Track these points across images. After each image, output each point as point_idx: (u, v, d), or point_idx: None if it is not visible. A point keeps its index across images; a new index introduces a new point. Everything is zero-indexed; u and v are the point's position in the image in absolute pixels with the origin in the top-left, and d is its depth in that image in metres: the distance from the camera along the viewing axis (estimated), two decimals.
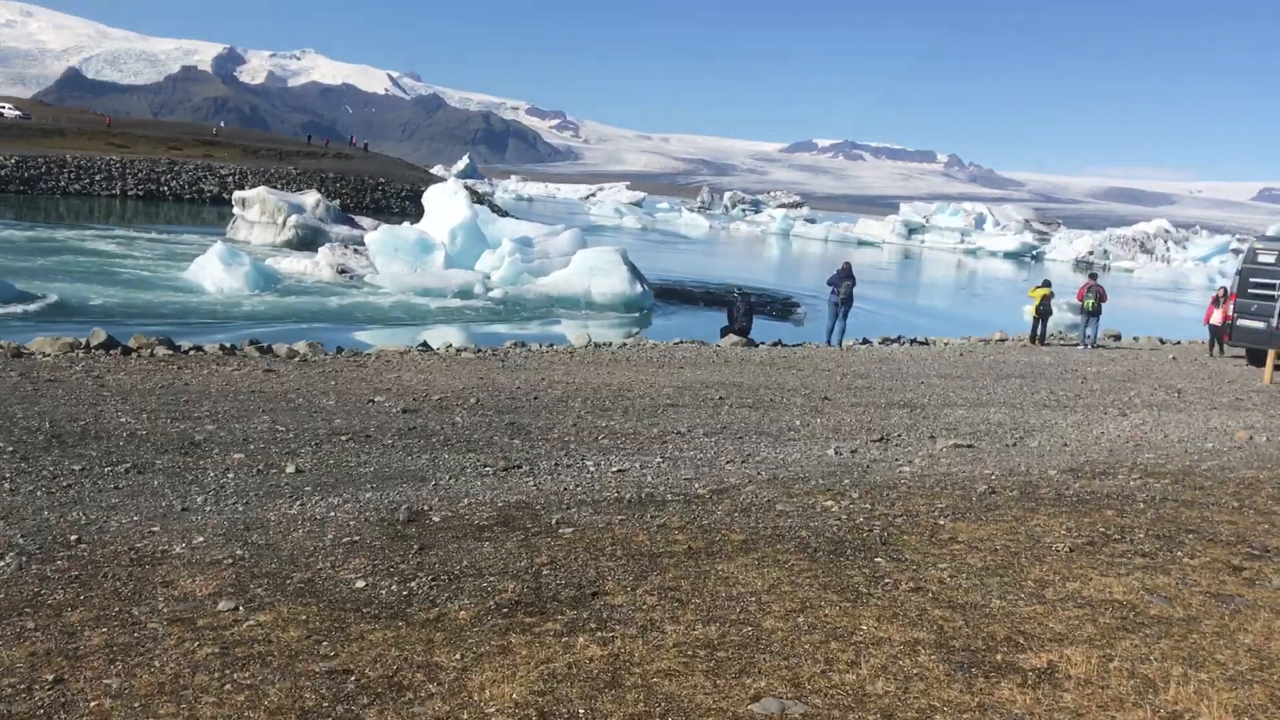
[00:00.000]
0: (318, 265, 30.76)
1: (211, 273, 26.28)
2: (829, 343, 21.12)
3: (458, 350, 15.66)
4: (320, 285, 28.54)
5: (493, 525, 6.19)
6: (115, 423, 8.89)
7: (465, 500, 6.96)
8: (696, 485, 7.79)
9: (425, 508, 6.68)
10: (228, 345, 14.22)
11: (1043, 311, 22.76)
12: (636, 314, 28.77)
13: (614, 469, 8.52)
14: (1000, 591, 5.34)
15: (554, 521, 6.35)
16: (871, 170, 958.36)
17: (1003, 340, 23.69)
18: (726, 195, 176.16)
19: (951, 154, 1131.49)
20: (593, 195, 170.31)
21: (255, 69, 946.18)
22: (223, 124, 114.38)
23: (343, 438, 8.99)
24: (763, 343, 20.15)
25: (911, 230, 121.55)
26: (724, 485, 7.80)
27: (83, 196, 61.24)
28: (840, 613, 4.86)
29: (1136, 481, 8.51)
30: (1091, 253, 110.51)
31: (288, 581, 4.97)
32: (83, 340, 13.08)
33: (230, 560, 5.30)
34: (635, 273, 30.05)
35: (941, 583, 5.38)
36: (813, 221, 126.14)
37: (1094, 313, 22.82)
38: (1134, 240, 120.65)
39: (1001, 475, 8.62)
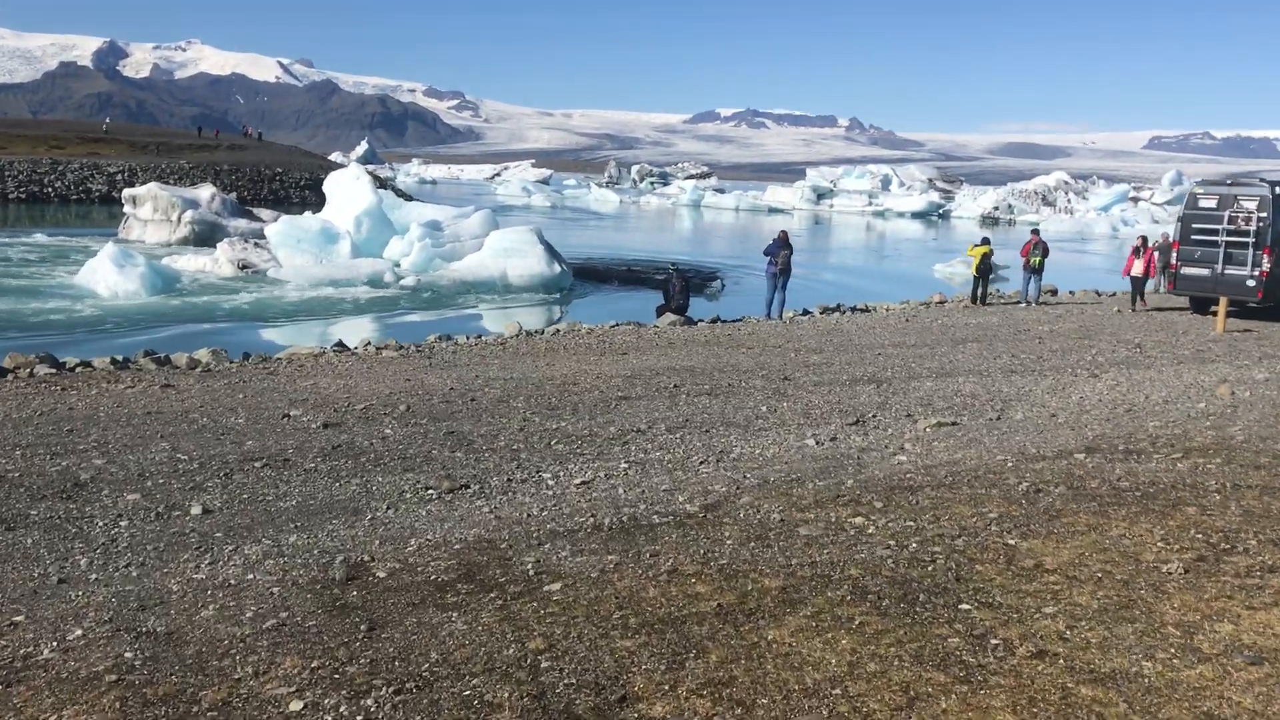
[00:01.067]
0: (217, 262, 28.92)
1: (104, 276, 24.33)
2: (769, 316, 20.23)
3: (378, 348, 14.31)
4: (222, 282, 26.75)
5: (456, 581, 5.00)
6: None
7: (413, 542, 5.78)
8: (680, 499, 6.72)
9: (365, 556, 5.49)
10: (119, 359, 12.66)
11: (983, 270, 22.15)
12: (557, 295, 27.60)
13: (576, 481, 7.42)
14: (1143, 647, 4.21)
15: (530, 570, 5.18)
16: (775, 138, 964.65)
17: (942, 303, 23.07)
18: (634, 169, 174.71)
19: (852, 118, 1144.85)
20: (498, 175, 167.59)
21: (139, 62, 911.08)
22: (109, 120, 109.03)
23: (257, 464, 7.71)
24: (701, 320, 19.16)
25: (820, 195, 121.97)
26: (713, 497, 6.74)
27: None
28: (961, 704, 3.69)
29: (1183, 464, 7.62)
30: (996, 208, 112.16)
31: (194, 710, 3.72)
32: None
33: (115, 672, 3.99)
34: (552, 252, 28.83)
35: (1063, 639, 4.25)
36: (722, 191, 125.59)
37: (1038, 270, 22.30)
38: (1036, 194, 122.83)
39: (1018, 462, 7.72)
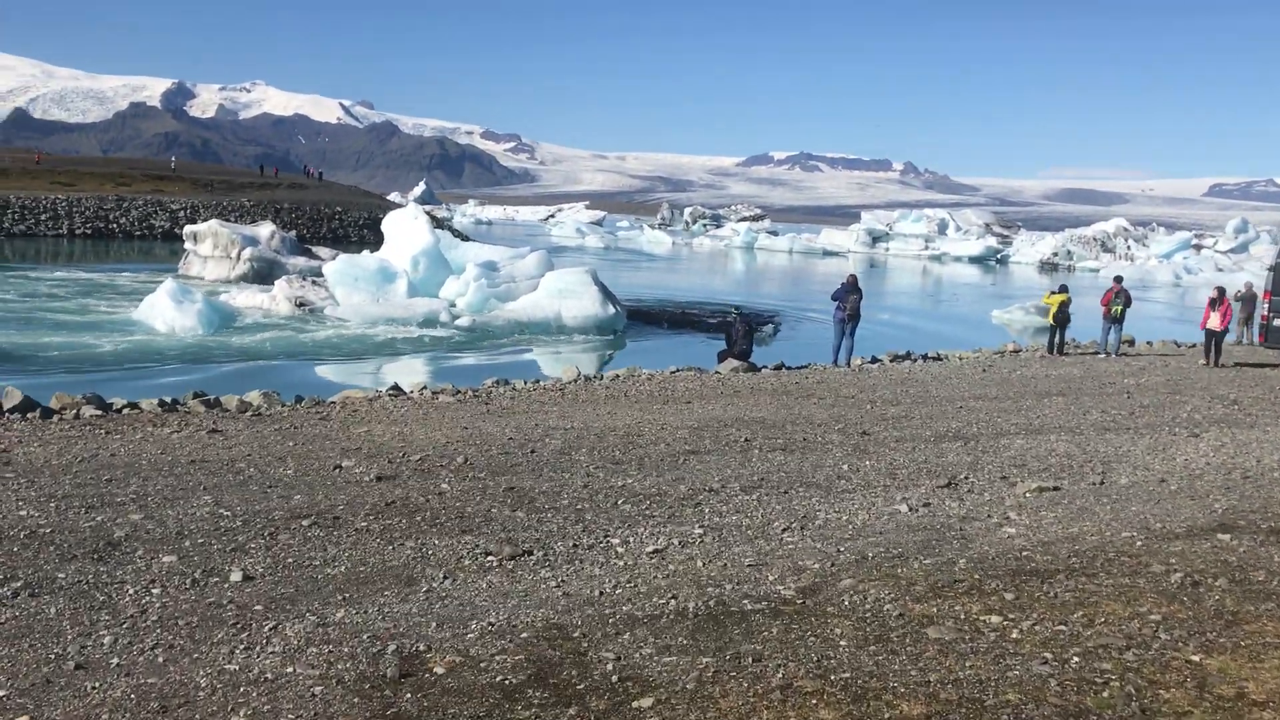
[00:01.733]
0: (275, 299, 28.83)
1: (162, 312, 24.29)
2: (836, 363, 19.44)
3: (434, 393, 13.77)
4: (278, 320, 26.62)
5: (526, 685, 4.32)
6: (12, 517, 6.98)
7: (474, 625, 5.12)
8: (770, 577, 6.01)
9: (421, 645, 4.83)
10: (168, 400, 12.23)
11: (1060, 319, 21.18)
12: (611, 336, 27.08)
13: (649, 549, 6.74)
14: None
15: (613, 672, 4.47)
16: (828, 181, 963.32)
17: (1017, 352, 22.13)
18: (687, 211, 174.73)
19: (907, 162, 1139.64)
20: (552, 216, 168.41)
21: (205, 103, 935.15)
22: (175, 159, 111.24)
23: (304, 522, 7.13)
24: (765, 366, 18.43)
25: (875, 238, 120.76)
26: (808, 577, 6.00)
27: (28, 238, 58.54)
28: None
29: None
30: (1055, 254, 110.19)
31: None
32: None
33: None
34: (606, 293, 28.37)
35: None
36: (775, 234, 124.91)
37: (1119, 319, 21.30)
38: (1095, 240, 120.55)
39: (1148, 541, 6.91)
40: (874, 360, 19.94)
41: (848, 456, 10.25)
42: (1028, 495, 8.67)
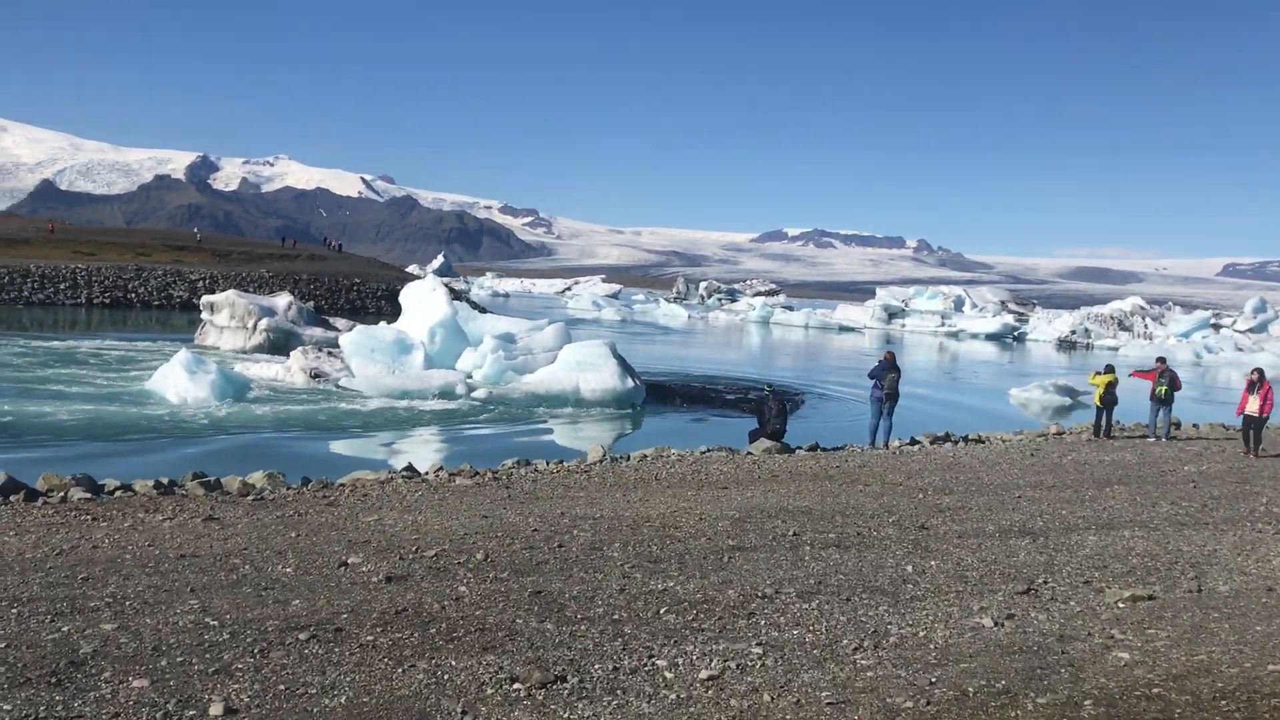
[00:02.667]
0: (290, 370, 28.20)
1: (175, 382, 23.62)
2: (873, 444, 18.46)
3: (450, 475, 12.83)
4: (292, 391, 25.90)
5: None
6: None
7: None
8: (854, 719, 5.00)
9: None
10: (164, 482, 11.33)
11: (1108, 401, 20.13)
12: (630, 410, 26.19)
13: (702, 674, 5.74)
14: None
15: None
16: (842, 257, 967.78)
17: (1060, 434, 21.08)
18: (702, 285, 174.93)
19: (920, 239, 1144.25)
20: (569, 289, 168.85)
21: (229, 176, 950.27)
22: (198, 231, 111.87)
23: (301, 635, 6.16)
24: (799, 446, 17.45)
25: (891, 314, 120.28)
26: None
27: (46, 306, 58.37)
28: None
29: None
30: (1073, 332, 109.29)
31: None
32: None
33: None
34: (625, 366, 27.59)
35: None
36: (791, 309, 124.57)
37: (1166, 400, 20.24)
38: (1112, 318, 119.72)
39: None
40: (913, 442, 18.94)
41: (909, 555, 9.23)
42: (1121, 605, 7.64)
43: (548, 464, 14.25)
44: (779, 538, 9.67)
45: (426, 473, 12.99)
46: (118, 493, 10.69)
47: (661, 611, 7.07)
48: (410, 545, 8.69)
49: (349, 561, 8.00)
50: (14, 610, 6.39)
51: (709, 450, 16.30)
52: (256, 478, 11.74)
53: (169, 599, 6.83)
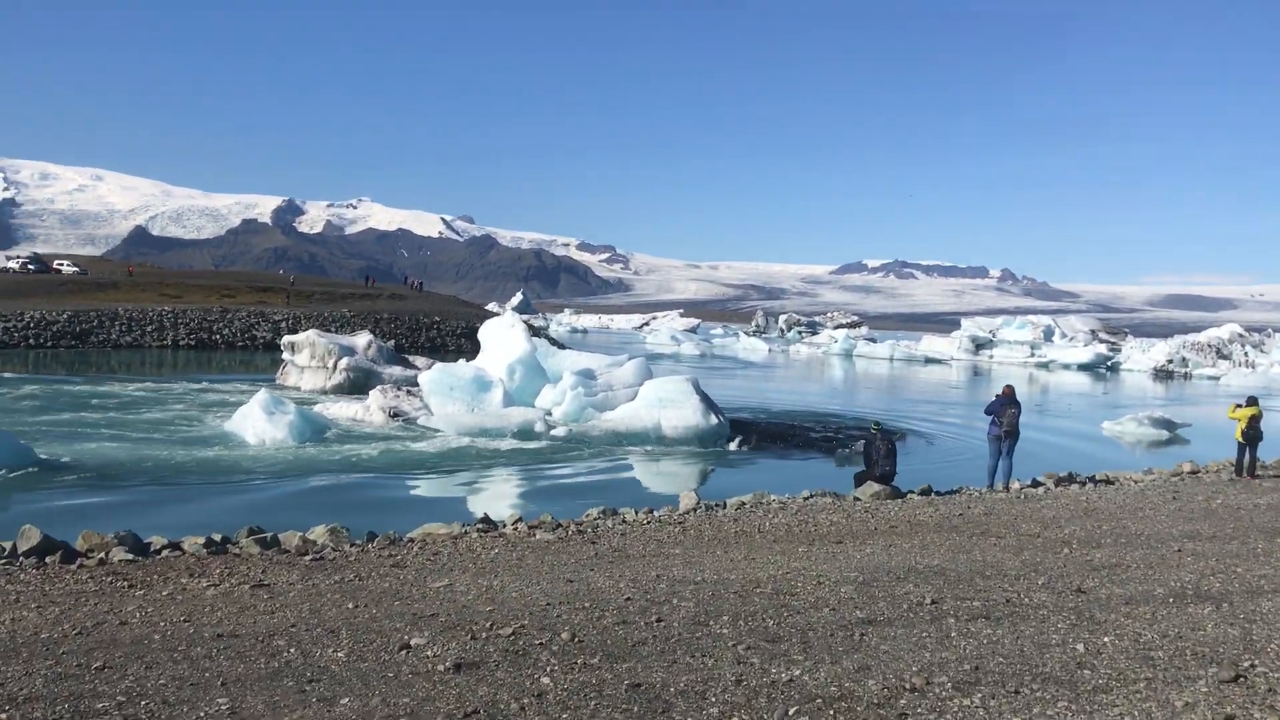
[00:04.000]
0: (369, 409, 27.63)
1: (254, 424, 23.19)
2: (992, 485, 16.78)
3: (530, 528, 11.59)
4: (371, 431, 25.28)
5: None
6: None
7: None
8: None
9: None
10: (216, 539, 10.28)
11: (1250, 437, 18.16)
12: (714, 448, 24.79)
13: None
14: None
15: None
16: (924, 288, 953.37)
17: (1196, 473, 19.14)
18: (782, 318, 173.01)
19: (1004, 268, 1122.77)
20: (646, 324, 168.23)
21: (313, 219, 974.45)
22: (283, 271, 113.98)
23: None
24: (910, 490, 15.88)
25: (979, 345, 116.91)
26: None
27: (134, 348, 59.24)
28: None
29: None
30: (1170, 361, 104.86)
31: None
32: (6, 545, 9.25)
33: None
34: (708, 402, 26.27)
35: None
36: (874, 340, 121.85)
37: None
38: (1209, 346, 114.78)
39: None
40: (1035, 484, 17.21)
41: (1074, 628, 7.70)
42: None
43: (636, 514, 12.94)
44: (915, 607, 8.19)
45: (504, 525, 11.77)
46: (164, 552, 9.66)
47: (791, 713, 5.69)
48: (484, 620, 7.43)
49: (412, 643, 6.76)
50: (3, 715, 5.28)
51: (812, 496, 14.84)
52: (318, 533, 10.66)
53: (194, 696, 5.66)
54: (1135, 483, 17.46)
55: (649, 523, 12.21)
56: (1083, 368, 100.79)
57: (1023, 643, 7.27)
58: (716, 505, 13.80)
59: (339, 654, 6.54)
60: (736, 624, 7.53)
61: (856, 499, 14.97)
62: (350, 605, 7.80)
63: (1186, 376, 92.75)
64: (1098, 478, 18.06)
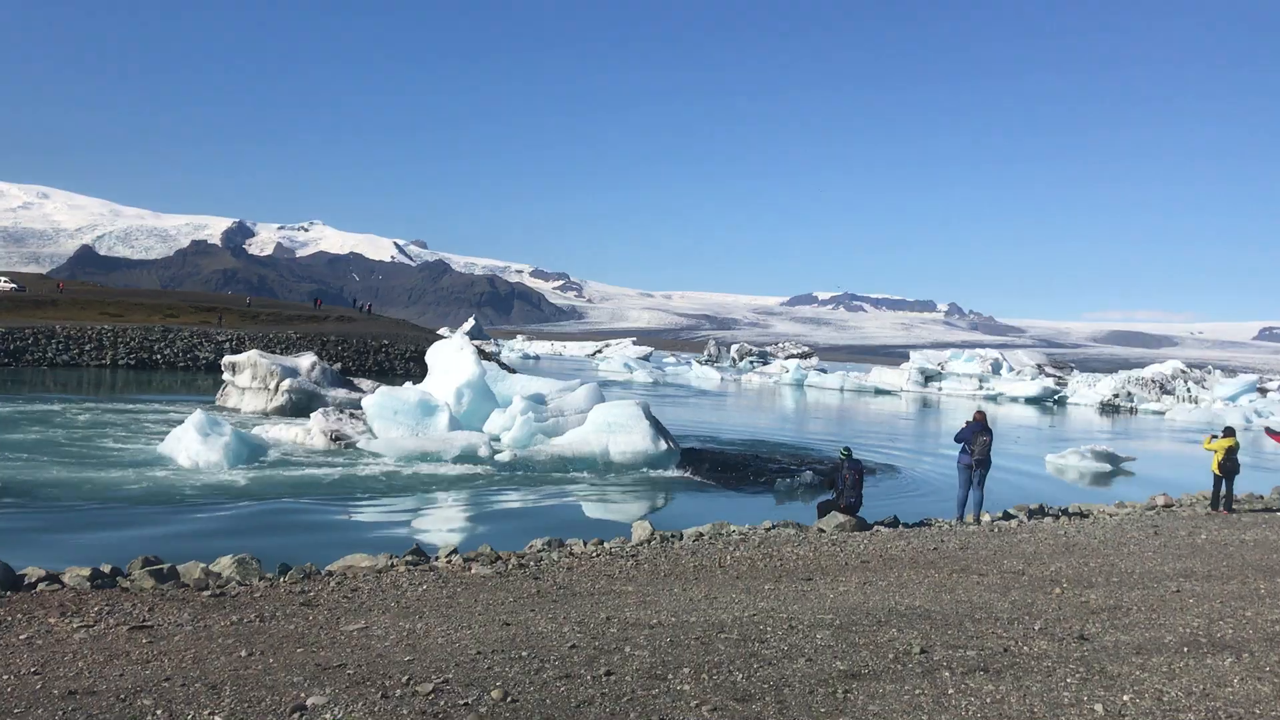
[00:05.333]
0: (310, 433, 26.26)
1: (186, 445, 21.82)
2: (961, 517, 15.86)
3: (465, 560, 10.37)
4: (309, 455, 23.95)
5: None
6: None
7: None
8: None
9: None
10: (105, 571, 8.98)
11: (1227, 469, 17.46)
12: (667, 474, 23.69)
13: None
14: None
15: None
16: (873, 321, 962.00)
17: (1170, 506, 18.39)
18: (733, 348, 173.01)
19: (951, 302, 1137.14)
20: (599, 352, 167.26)
21: (264, 241, 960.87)
22: (240, 296, 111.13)
23: None
24: (877, 522, 14.90)
25: (928, 377, 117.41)
26: None
27: (71, 367, 57.00)
28: None
29: None
30: (1116, 395, 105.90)
31: None
32: None
33: None
34: (658, 428, 25.21)
35: None
36: (825, 371, 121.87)
37: None
38: (1154, 382, 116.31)
39: None
40: (1006, 516, 16.32)
41: (1084, 683, 6.70)
42: None
43: (585, 545, 11.79)
44: (902, 657, 7.14)
45: (436, 558, 10.56)
46: (40, 585, 8.35)
47: None
48: (400, 673, 6.25)
49: (308, 703, 5.57)
50: None
51: (775, 526, 13.79)
52: (224, 564, 9.38)
53: None
54: (1110, 515, 16.64)
55: (598, 555, 11.07)
56: (1030, 401, 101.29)
57: (1031, 701, 6.26)
58: (672, 536, 12.70)
59: (215, 718, 5.34)
60: (699, 678, 6.42)
61: (821, 530, 13.95)
62: (243, 653, 6.58)
63: (1132, 411, 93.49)
64: (1071, 510, 17.24)
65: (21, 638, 6.75)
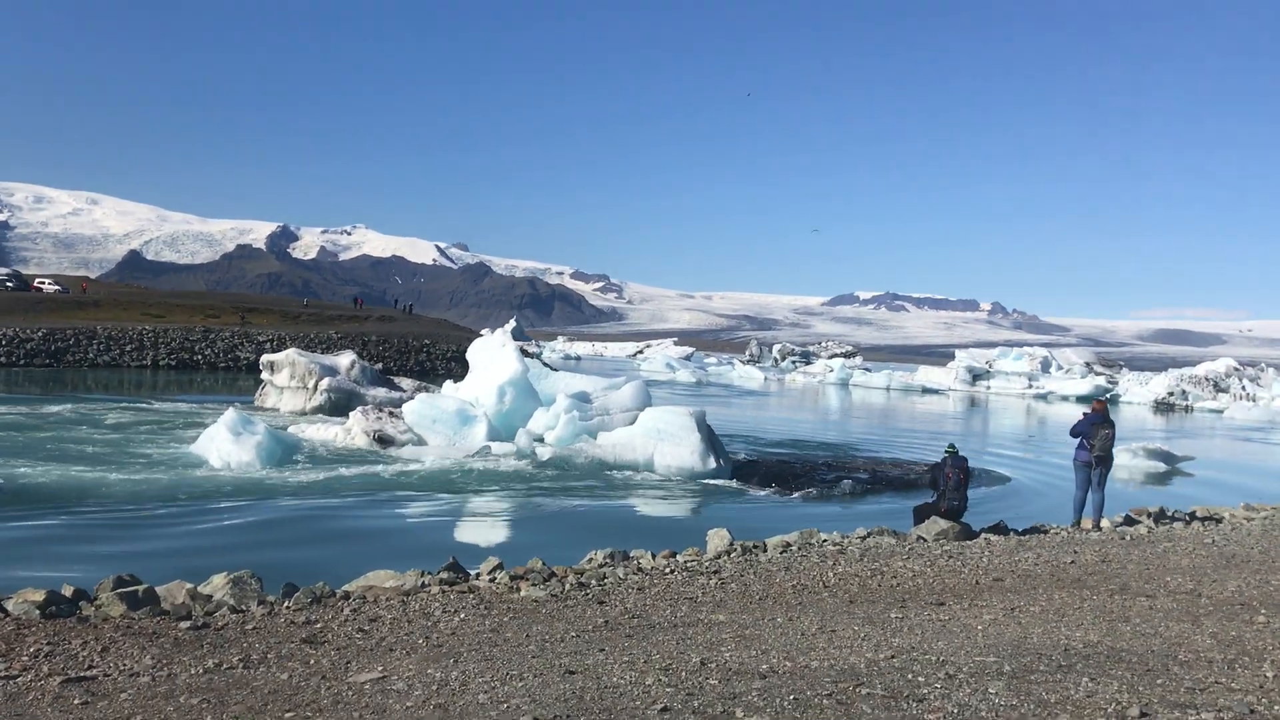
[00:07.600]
0: (350, 432, 25.00)
1: (218, 445, 20.71)
2: (1077, 522, 13.77)
3: (513, 579, 8.50)
4: (343, 455, 22.65)
5: None
6: None
7: None
8: None
9: None
10: (66, 594, 7.23)
11: None
12: (710, 481, 21.24)
13: None
14: None
15: None
16: (915, 320, 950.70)
17: None
18: (775, 348, 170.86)
19: (995, 301, 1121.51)
20: (640, 352, 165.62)
21: (308, 245, 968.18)
22: (306, 299, 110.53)
23: None
24: (983, 530, 12.87)
25: (975, 376, 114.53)
26: None
27: (112, 368, 56.39)
28: None
29: None
30: (1170, 393, 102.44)
31: None
32: None
33: None
34: (710, 440, 22.26)
35: None
36: (869, 370, 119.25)
37: None
38: (1207, 379, 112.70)
39: None
40: (1129, 521, 14.21)
41: None
42: None
43: (654, 558, 9.87)
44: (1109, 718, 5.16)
45: (477, 574, 8.68)
46: None
47: None
48: None
49: None
50: None
51: (870, 534, 11.81)
52: (216, 585, 7.59)
53: None
54: (1248, 520, 14.47)
55: (673, 571, 9.13)
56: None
57: None
58: (755, 547, 10.74)
59: None
60: None
61: (921, 538, 11.96)
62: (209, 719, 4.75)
63: (1188, 409, 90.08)
64: (1199, 514, 15.09)
65: None
